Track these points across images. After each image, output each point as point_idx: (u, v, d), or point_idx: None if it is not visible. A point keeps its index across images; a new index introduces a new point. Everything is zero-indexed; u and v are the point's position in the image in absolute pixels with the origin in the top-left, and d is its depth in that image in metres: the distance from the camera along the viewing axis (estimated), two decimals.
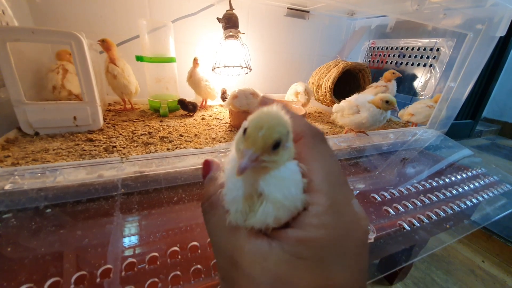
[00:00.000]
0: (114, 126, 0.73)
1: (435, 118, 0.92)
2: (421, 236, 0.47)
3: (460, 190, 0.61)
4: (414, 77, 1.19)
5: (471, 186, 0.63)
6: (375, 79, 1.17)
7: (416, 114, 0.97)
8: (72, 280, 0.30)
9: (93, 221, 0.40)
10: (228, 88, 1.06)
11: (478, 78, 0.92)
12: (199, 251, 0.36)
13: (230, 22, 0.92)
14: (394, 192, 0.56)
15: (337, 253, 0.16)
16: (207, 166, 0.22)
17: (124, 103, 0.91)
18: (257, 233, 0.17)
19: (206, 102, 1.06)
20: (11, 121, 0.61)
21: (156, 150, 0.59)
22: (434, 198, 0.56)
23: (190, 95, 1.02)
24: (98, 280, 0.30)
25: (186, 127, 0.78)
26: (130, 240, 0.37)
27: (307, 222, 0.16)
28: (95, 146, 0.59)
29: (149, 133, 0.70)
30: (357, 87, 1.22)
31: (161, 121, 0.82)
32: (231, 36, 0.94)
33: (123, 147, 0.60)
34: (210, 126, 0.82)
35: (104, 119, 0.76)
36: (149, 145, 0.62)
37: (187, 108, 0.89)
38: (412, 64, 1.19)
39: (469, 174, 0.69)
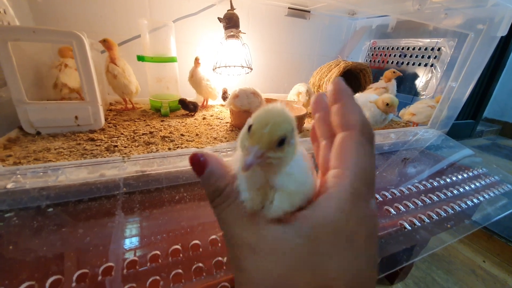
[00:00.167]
0: (115, 126, 0.73)
1: (436, 118, 0.92)
2: (422, 236, 0.47)
3: (461, 190, 0.61)
4: (415, 77, 1.19)
5: (472, 186, 0.63)
6: (376, 79, 1.17)
7: (418, 114, 0.97)
8: (74, 278, 0.30)
9: (95, 220, 0.40)
10: (229, 88, 1.06)
11: (479, 78, 0.92)
12: (201, 249, 0.36)
13: (231, 22, 0.92)
14: (395, 191, 0.56)
15: (350, 239, 0.16)
16: (203, 162, 0.20)
17: (125, 102, 0.91)
18: (275, 219, 0.18)
19: (207, 102, 1.06)
20: (13, 121, 0.61)
21: (158, 150, 0.60)
22: (435, 198, 0.56)
23: (191, 95, 1.02)
24: (99, 278, 0.31)
25: (187, 127, 0.78)
26: (131, 238, 0.37)
27: (326, 204, 0.17)
28: (96, 145, 0.59)
29: (151, 132, 0.70)
30: (358, 87, 1.23)
31: (162, 121, 0.82)
32: (232, 36, 0.94)
33: (125, 147, 0.60)
34: (211, 125, 0.82)
35: (106, 119, 0.76)
36: (151, 145, 0.62)
37: (188, 107, 0.89)
38: (413, 64, 1.19)
39: (470, 174, 0.69)
